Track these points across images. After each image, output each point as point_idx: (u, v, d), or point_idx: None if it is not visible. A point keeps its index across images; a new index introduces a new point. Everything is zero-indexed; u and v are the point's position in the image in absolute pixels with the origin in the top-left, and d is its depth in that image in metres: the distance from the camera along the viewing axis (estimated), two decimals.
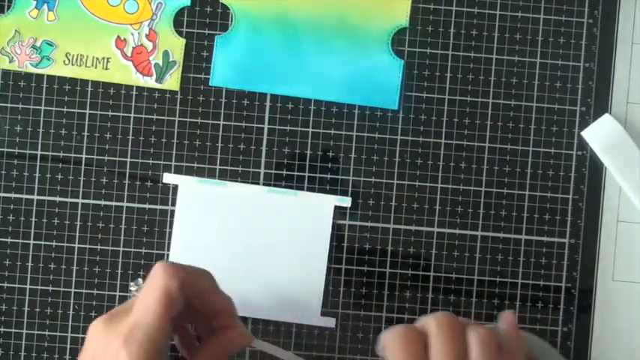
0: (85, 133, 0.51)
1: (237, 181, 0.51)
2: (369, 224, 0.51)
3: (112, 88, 0.51)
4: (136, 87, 0.51)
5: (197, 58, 0.51)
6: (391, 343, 0.40)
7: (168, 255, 0.50)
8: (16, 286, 0.51)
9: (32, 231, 0.51)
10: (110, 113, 0.51)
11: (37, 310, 0.51)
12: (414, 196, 0.51)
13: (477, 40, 0.52)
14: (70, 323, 0.51)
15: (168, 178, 0.51)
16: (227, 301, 0.45)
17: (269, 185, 0.51)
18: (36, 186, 0.51)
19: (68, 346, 0.51)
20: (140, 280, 0.46)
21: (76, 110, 0.51)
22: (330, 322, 0.50)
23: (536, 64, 0.52)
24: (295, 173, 0.51)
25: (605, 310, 0.51)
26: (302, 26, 0.51)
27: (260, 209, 0.50)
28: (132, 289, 0.46)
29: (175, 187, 0.51)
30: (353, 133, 0.51)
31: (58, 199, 0.51)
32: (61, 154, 0.51)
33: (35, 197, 0.51)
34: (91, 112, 0.51)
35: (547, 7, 0.52)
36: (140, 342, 0.40)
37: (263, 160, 0.51)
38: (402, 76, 0.51)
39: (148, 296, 0.41)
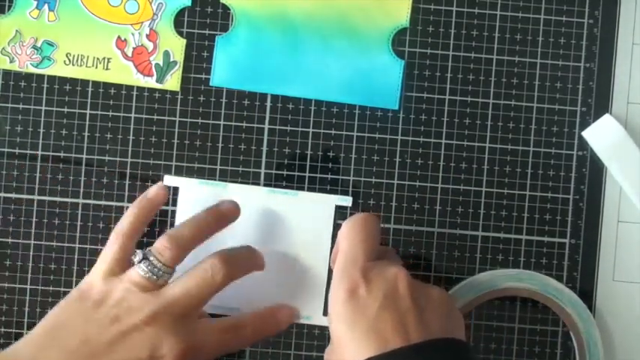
0: (86, 134, 0.51)
1: (237, 182, 0.51)
2: None
3: (113, 88, 0.51)
4: (137, 87, 0.51)
5: (197, 58, 0.51)
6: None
7: None
8: (16, 286, 0.51)
9: (32, 231, 0.51)
10: (111, 113, 0.51)
11: (38, 310, 0.51)
12: (414, 196, 0.51)
13: (478, 40, 0.52)
14: None
15: (169, 180, 0.51)
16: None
17: (270, 186, 0.51)
18: (36, 186, 0.51)
19: None
20: (139, 251, 0.46)
21: (76, 110, 0.51)
22: None
23: (537, 64, 0.52)
24: (296, 173, 0.51)
25: (605, 310, 0.51)
26: (302, 26, 0.51)
27: (261, 210, 0.50)
28: (134, 259, 0.46)
29: (176, 188, 0.51)
30: (353, 134, 0.51)
31: (58, 199, 0.51)
32: (62, 154, 0.51)
33: (36, 197, 0.51)
34: (91, 112, 0.51)
35: (547, 7, 0.52)
36: (175, 317, 0.44)
37: (263, 160, 0.51)
38: (402, 76, 0.51)
39: (198, 281, 0.44)
